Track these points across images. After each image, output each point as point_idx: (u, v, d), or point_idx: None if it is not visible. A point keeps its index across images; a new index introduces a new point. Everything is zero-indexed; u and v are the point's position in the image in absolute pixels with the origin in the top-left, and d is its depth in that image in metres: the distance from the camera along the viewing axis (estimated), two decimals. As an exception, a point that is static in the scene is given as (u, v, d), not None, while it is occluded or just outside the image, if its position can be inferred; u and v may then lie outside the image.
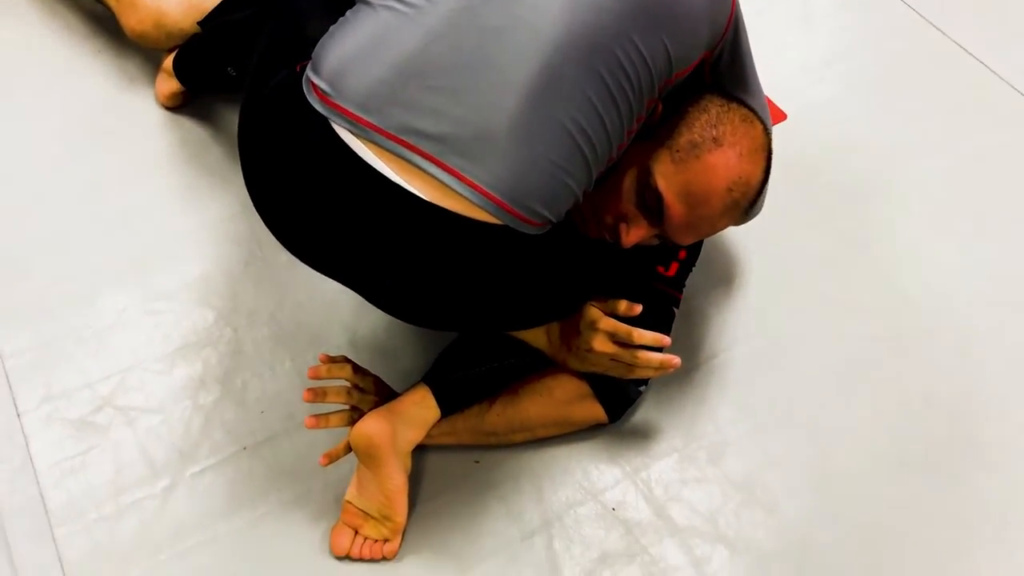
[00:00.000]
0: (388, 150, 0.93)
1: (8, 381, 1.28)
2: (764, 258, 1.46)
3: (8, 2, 1.67)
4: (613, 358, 1.11)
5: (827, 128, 1.64)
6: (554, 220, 0.98)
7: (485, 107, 0.93)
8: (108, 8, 1.57)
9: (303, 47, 1.01)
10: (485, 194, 0.92)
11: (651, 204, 1.07)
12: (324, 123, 0.94)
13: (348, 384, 1.18)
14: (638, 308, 1.12)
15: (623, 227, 1.09)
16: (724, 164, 1.06)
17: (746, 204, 1.11)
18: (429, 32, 0.94)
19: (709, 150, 1.06)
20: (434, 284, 0.98)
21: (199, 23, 1.44)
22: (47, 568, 1.13)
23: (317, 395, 1.15)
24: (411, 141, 0.92)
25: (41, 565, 1.14)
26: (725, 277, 1.44)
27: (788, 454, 1.27)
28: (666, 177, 1.06)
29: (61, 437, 1.23)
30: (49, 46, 1.64)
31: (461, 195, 0.92)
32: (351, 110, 0.93)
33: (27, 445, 1.23)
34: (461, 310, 1.04)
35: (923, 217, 1.54)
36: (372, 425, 1.10)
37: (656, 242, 1.14)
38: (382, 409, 1.13)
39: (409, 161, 0.92)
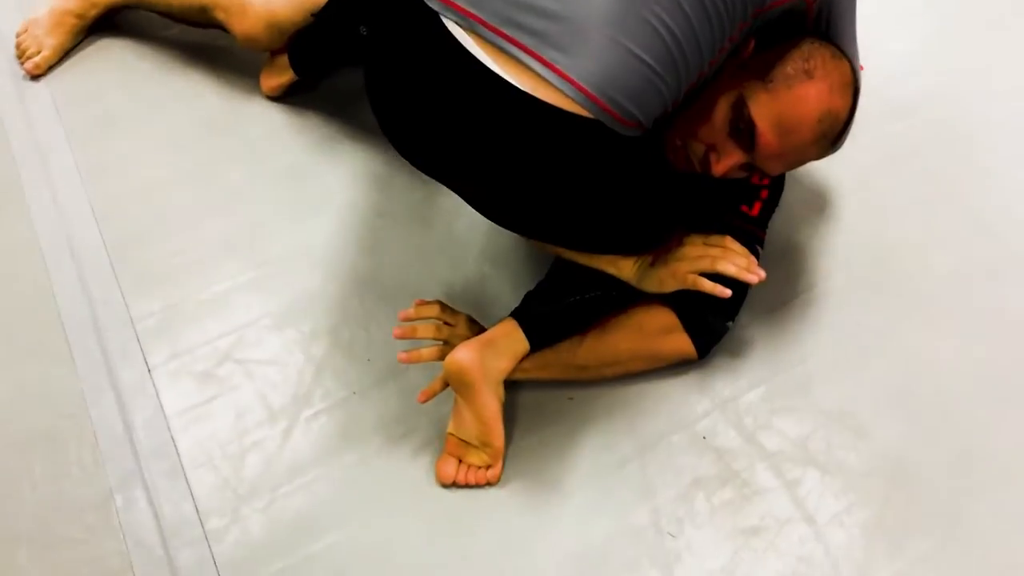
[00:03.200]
0: (490, 42, 1.01)
1: (139, 341, 1.40)
2: (849, 197, 1.49)
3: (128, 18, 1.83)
4: (703, 248, 1.19)
5: (908, 76, 1.66)
6: (644, 122, 1.03)
7: (580, 4, 1.00)
8: (215, 24, 1.65)
9: None
10: (577, 86, 0.99)
11: (743, 132, 1.12)
12: (436, 18, 1.03)
13: (438, 321, 1.26)
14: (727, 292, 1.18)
15: (714, 156, 1.15)
16: (815, 96, 1.11)
17: (833, 136, 1.15)
18: None
19: (801, 82, 1.11)
20: (527, 179, 1.05)
21: (314, 14, 1.50)
22: (180, 501, 1.24)
23: (406, 332, 1.24)
24: (511, 34, 1.00)
25: (175, 500, 1.24)
26: (809, 216, 1.47)
27: (877, 384, 1.29)
28: (759, 106, 1.11)
29: (187, 389, 1.34)
30: (164, 48, 1.79)
31: (555, 86, 0.99)
32: (460, 4, 1.02)
33: (157, 396, 1.34)
34: (549, 210, 1.10)
35: (1007, 155, 1.54)
36: (463, 354, 1.18)
37: (743, 174, 1.19)
38: (472, 340, 1.20)
39: (508, 53, 1.00)
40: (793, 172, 1.44)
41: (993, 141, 1.56)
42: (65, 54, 1.78)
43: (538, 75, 1.00)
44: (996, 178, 1.51)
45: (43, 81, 1.75)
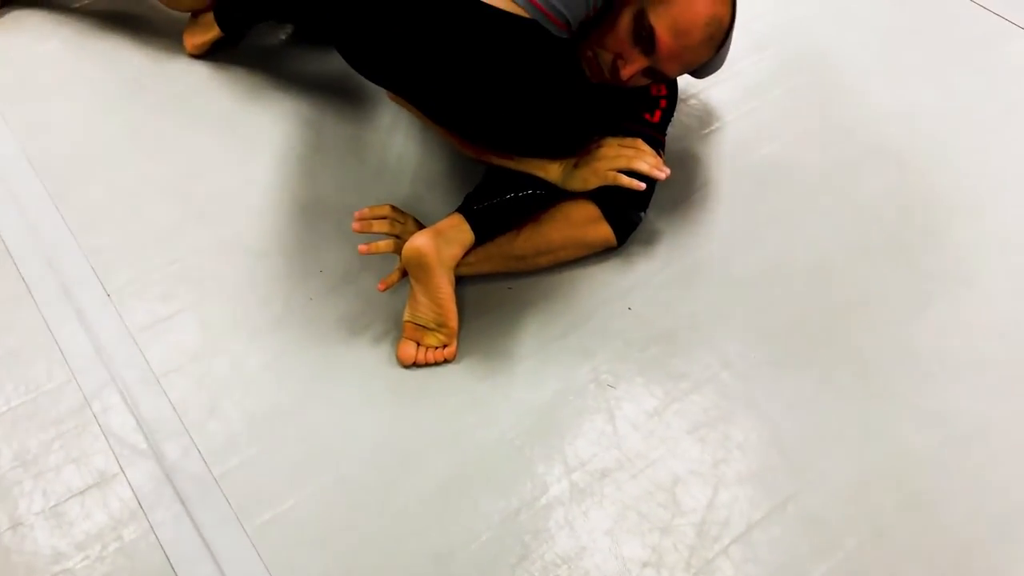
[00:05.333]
0: None
1: (94, 271, 1.47)
2: (729, 113, 1.72)
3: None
4: (619, 149, 1.36)
5: (764, 15, 1.92)
6: (571, 23, 1.21)
7: None
8: None
9: None
10: None
11: (645, 39, 1.31)
12: None
13: (390, 219, 1.40)
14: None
15: (621, 62, 1.33)
16: (703, 3, 1.30)
17: (719, 39, 1.35)
18: None
19: None
20: (472, 76, 1.21)
21: None
22: (157, 402, 1.32)
23: (364, 226, 1.37)
24: None
25: (151, 402, 1.32)
26: (698, 129, 1.69)
27: (769, 259, 1.50)
28: (657, 15, 1.29)
29: (149, 308, 1.42)
30: (79, 18, 1.86)
31: None
32: None
33: (120, 316, 1.41)
34: (490, 109, 1.26)
35: (848, 71, 1.81)
36: (420, 240, 1.32)
37: (646, 81, 1.38)
38: (426, 230, 1.34)
39: None
40: (683, 93, 1.65)
41: (837, 63, 1.83)
42: (-21, 26, 1.83)
43: None
44: (842, 90, 1.78)
45: (-41, 50, 1.79)
